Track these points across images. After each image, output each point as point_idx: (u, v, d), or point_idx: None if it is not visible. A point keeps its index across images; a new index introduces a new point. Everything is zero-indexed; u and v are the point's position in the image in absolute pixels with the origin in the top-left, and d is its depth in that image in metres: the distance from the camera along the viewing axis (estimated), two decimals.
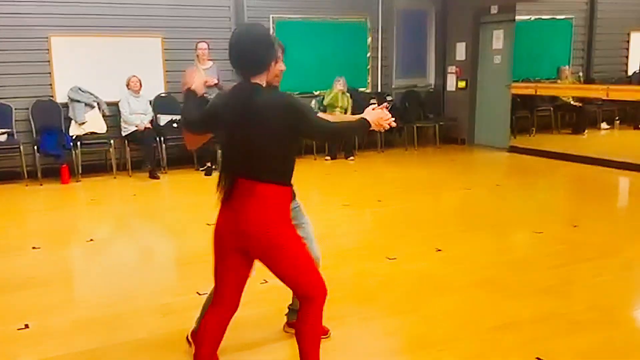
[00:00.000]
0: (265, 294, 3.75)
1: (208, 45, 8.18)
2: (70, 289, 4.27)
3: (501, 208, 6.25)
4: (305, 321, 2.52)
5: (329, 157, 9.41)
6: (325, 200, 6.80)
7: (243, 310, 2.66)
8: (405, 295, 3.91)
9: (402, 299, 3.84)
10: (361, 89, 10.42)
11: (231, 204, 2.39)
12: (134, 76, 8.16)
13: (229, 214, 2.40)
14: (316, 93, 9.78)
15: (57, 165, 7.68)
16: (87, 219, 6.31)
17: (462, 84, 10.80)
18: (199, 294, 3.86)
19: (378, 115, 2.58)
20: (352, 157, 9.39)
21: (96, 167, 8.14)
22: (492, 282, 4.09)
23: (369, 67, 10.59)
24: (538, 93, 9.75)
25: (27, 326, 3.46)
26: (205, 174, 8.16)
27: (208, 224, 5.52)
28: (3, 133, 7.53)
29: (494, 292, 3.91)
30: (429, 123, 10.71)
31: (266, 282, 3.70)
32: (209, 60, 8.17)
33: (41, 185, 7.55)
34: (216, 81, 8.05)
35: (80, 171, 7.86)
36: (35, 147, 7.63)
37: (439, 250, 4.78)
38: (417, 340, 3.29)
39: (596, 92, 9.00)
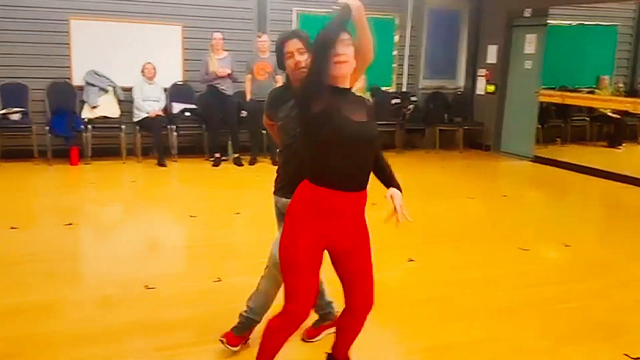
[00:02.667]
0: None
1: (223, 36, 8.14)
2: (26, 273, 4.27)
3: (495, 220, 5.98)
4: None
5: None
6: None
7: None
8: None
9: None
10: (384, 88, 10.20)
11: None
12: (149, 63, 8.22)
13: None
14: None
15: (68, 147, 7.83)
16: (73, 202, 6.27)
17: (490, 88, 10.44)
18: (147, 288, 3.84)
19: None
20: None
21: (107, 151, 8.24)
22: (449, 299, 3.90)
23: (394, 65, 10.37)
24: (565, 102, 9.31)
25: None
26: (213, 165, 8.15)
27: (191, 216, 5.60)
28: (17, 112, 7.70)
29: (445, 311, 3.72)
30: (453, 126, 10.40)
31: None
32: (223, 50, 8.13)
33: (50, 165, 7.70)
34: (229, 71, 8.02)
35: (90, 154, 7.99)
36: (47, 128, 7.78)
37: (411, 260, 4.59)
38: None
39: (620, 104, 8.54)
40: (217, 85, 8.03)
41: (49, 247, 4.69)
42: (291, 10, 9.43)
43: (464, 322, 3.55)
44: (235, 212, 5.82)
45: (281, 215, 2.74)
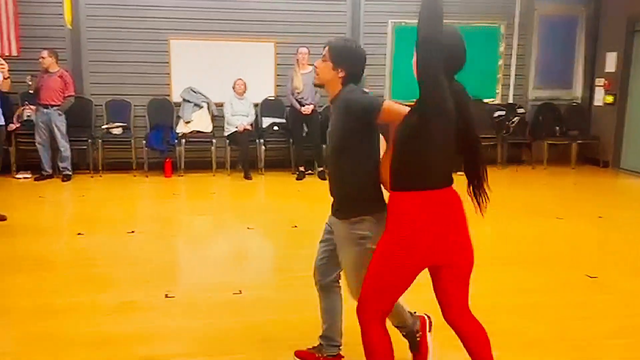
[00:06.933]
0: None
1: (309, 50, 8.18)
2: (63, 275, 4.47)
3: (573, 244, 5.31)
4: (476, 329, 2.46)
5: None
6: None
7: None
8: None
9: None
10: (488, 100, 9.66)
11: (433, 214, 2.23)
12: (240, 79, 8.45)
13: (432, 225, 2.23)
14: None
15: (163, 160, 8.26)
16: (147, 211, 6.60)
17: (609, 99, 9.49)
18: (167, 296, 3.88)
19: None
20: (461, 172, 8.70)
21: (199, 164, 8.57)
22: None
23: (499, 76, 9.78)
24: None
25: None
26: (297, 178, 8.17)
27: (248, 228, 5.62)
28: (119, 127, 8.26)
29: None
30: (564, 140, 9.55)
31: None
32: (309, 65, 8.15)
33: (147, 177, 8.17)
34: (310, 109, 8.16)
35: (183, 167, 8.35)
36: (144, 142, 8.27)
37: None
38: None
39: None
40: (299, 100, 8.08)
41: (109, 252, 4.92)
42: (386, 22, 9.27)
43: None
44: (293, 225, 5.76)
45: None
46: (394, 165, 2.29)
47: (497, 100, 9.78)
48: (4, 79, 5.47)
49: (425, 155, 2.20)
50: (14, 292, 3.98)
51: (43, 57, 7.68)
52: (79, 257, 4.80)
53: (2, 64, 5.33)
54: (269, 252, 5.21)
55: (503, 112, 9.59)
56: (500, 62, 9.74)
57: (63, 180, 7.79)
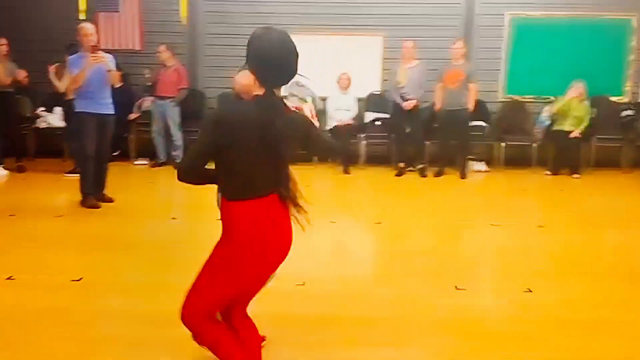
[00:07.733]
0: None
1: (414, 44, 7.97)
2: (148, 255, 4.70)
3: None
4: None
5: (549, 172, 8.31)
6: (478, 216, 6.12)
7: None
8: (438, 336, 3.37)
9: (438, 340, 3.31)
10: (614, 98, 8.90)
11: (273, 220, 2.35)
12: (344, 74, 8.45)
13: (274, 230, 2.35)
14: (552, 98, 8.67)
15: None
16: None
17: None
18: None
19: None
20: (577, 175, 8.11)
21: (301, 156, 8.59)
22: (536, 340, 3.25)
23: (629, 72, 8.96)
24: None
25: None
26: (397, 175, 7.99)
27: (331, 221, 5.60)
28: None
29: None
30: None
31: None
32: (414, 59, 7.96)
33: None
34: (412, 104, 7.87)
35: None
36: None
37: (529, 291, 3.94)
38: None
39: None
40: (402, 95, 7.90)
41: (193, 237, 5.14)
42: (503, 14, 8.84)
43: None
44: (377, 221, 5.67)
45: None
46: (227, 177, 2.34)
47: (626, 99, 8.99)
48: (108, 71, 5.71)
49: (239, 168, 2.28)
50: (94, 268, 4.24)
51: (160, 52, 8.17)
52: (165, 240, 5.05)
53: (103, 57, 5.59)
54: (341, 246, 5.16)
55: (632, 112, 8.81)
56: (631, 57, 8.92)
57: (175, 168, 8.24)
